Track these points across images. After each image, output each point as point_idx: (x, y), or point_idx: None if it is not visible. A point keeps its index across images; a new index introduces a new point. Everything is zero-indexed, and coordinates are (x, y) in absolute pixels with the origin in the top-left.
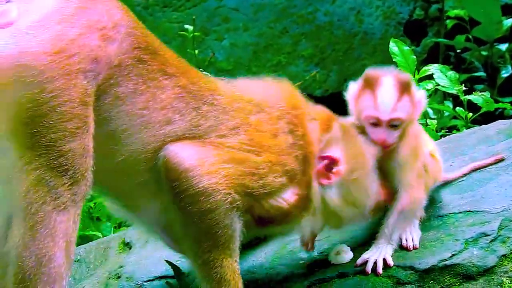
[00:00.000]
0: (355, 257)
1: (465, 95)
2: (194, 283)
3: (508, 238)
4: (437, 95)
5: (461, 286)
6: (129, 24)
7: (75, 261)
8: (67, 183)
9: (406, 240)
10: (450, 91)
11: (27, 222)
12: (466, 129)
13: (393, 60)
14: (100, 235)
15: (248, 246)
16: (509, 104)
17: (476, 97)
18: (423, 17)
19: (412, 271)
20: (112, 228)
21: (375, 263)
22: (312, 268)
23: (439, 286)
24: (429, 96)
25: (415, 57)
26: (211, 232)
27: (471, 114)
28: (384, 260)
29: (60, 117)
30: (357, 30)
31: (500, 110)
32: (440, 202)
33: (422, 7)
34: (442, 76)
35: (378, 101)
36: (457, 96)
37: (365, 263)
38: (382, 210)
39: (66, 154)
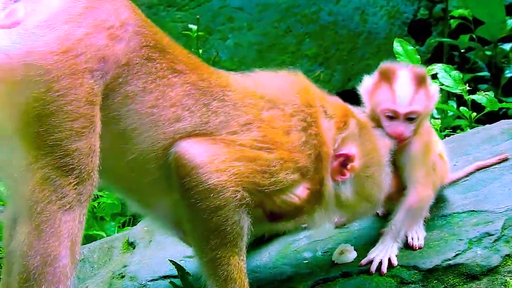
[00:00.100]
0: (359, 256)
1: (469, 94)
2: (198, 282)
3: None
4: (441, 95)
5: (465, 285)
6: (137, 23)
7: (79, 260)
8: (73, 182)
9: (412, 239)
10: (454, 91)
11: (32, 221)
12: (470, 128)
13: (397, 59)
14: (104, 234)
15: (252, 246)
16: None
17: (480, 97)
18: (427, 17)
19: (416, 271)
20: (116, 228)
21: (380, 262)
22: (316, 268)
23: (443, 285)
24: None
25: (419, 56)
26: (220, 229)
27: (475, 113)
28: (389, 259)
29: (66, 116)
30: (361, 30)
31: (504, 109)
32: (444, 201)
33: (426, 7)
34: (446, 76)
35: (396, 94)
36: (461, 95)
37: (370, 262)
38: (392, 202)
39: (72, 154)
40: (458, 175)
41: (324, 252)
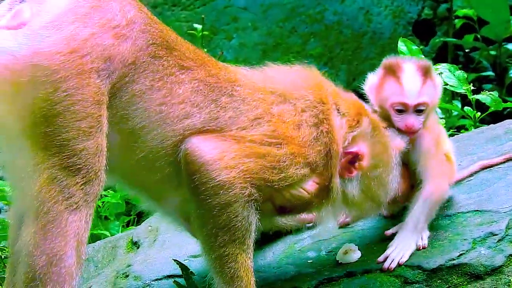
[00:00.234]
0: (363, 256)
1: (473, 94)
2: (202, 282)
3: None
4: (446, 95)
5: (469, 285)
6: (143, 21)
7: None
8: (79, 182)
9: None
10: (458, 91)
11: (38, 221)
12: (475, 128)
13: None
14: (108, 234)
15: (257, 245)
16: None
17: (484, 97)
18: (431, 17)
19: (420, 271)
20: (120, 227)
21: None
22: (320, 267)
23: (447, 285)
24: None
25: (423, 56)
26: (229, 225)
27: (479, 113)
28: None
29: (73, 116)
30: (365, 30)
31: (508, 109)
32: (448, 201)
33: (431, 6)
34: (451, 76)
35: (404, 87)
36: (465, 95)
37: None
38: (398, 205)
39: (79, 154)
40: (463, 174)
41: (328, 252)
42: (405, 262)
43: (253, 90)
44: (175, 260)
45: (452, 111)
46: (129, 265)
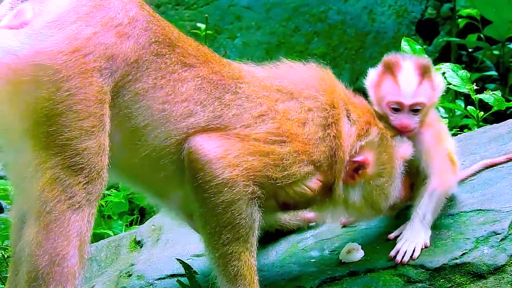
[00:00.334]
0: (366, 255)
1: (476, 94)
2: (205, 281)
3: None
4: (449, 94)
5: (472, 284)
6: (145, 19)
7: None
8: (82, 182)
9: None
10: (461, 90)
11: (41, 220)
12: (478, 128)
13: None
14: (111, 233)
15: (260, 244)
16: None
17: (487, 96)
18: (435, 16)
19: (423, 270)
20: (123, 226)
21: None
22: (323, 267)
23: (450, 284)
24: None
25: (427, 56)
26: (233, 223)
27: (482, 113)
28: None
29: (76, 116)
30: (369, 29)
31: (511, 109)
32: (451, 200)
33: (434, 6)
34: (454, 75)
35: (401, 86)
36: (468, 95)
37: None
38: (397, 210)
39: (81, 153)
40: (466, 173)
41: (331, 251)
42: (418, 256)
43: (258, 87)
44: (178, 259)
45: (455, 110)
46: (132, 264)
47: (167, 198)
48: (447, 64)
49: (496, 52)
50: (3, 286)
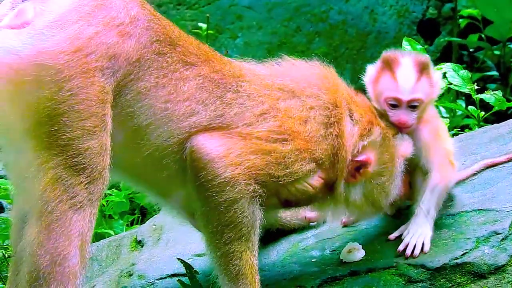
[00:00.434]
0: (367, 255)
1: (477, 94)
2: (206, 281)
3: None
4: (450, 94)
5: (472, 284)
6: (146, 18)
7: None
8: (84, 181)
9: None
10: (462, 90)
11: (42, 220)
12: (478, 127)
13: None
14: (112, 233)
15: (261, 244)
16: None
17: (488, 96)
18: (436, 16)
19: (424, 270)
20: (124, 226)
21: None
22: (324, 266)
23: (450, 284)
24: (442, 95)
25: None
26: (235, 222)
27: (483, 113)
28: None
29: (78, 116)
30: (370, 29)
31: None
32: (452, 200)
33: (435, 6)
34: (455, 75)
35: (398, 82)
36: (469, 95)
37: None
38: (396, 207)
39: (83, 153)
40: (466, 173)
41: (332, 251)
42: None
43: (259, 86)
44: (179, 259)
45: (456, 110)
46: (133, 264)
47: (169, 197)
48: (448, 64)
49: (497, 52)
50: (4, 285)
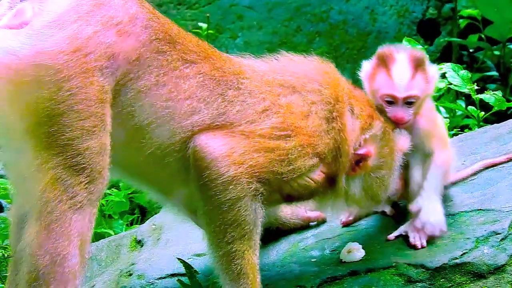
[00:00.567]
0: (366, 255)
1: (477, 94)
2: (206, 281)
3: None
4: (450, 94)
5: (472, 284)
6: (145, 16)
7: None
8: (83, 181)
9: (414, 238)
10: (462, 90)
11: (42, 220)
12: (478, 128)
13: None
14: (112, 232)
15: (260, 244)
16: None
17: (488, 96)
18: (436, 17)
19: (423, 269)
20: (124, 226)
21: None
22: (323, 266)
23: (450, 284)
24: (442, 95)
25: (428, 56)
26: (238, 220)
27: (483, 113)
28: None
29: (77, 116)
30: (370, 29)
31: None
32: (451, 200)
33: (435, 6)
34: (455, 75)
35: (394, 79)
36: (469, 95)
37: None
38: (391, 201)
39: (83, 153)
40: (466, 173)
41: (332, 251)
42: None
43: (260, 82)
44: (179, 259)
45: (456, 110)
46: (132, 264)
47: (171, 195)
48: (448, 64)
49: (497, 53)
50: (3, 285)
